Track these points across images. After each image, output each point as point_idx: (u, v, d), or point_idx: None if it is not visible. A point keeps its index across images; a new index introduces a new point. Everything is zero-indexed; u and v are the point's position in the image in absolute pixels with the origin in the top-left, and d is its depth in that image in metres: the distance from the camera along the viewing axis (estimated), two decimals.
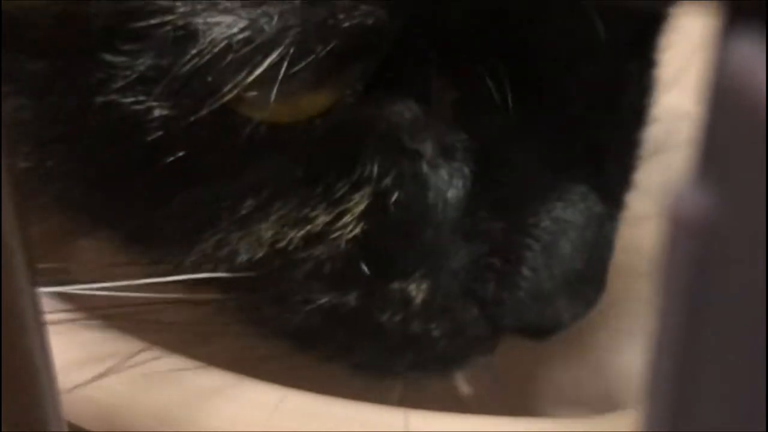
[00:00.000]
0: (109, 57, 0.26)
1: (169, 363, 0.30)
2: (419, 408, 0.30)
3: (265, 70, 0.25)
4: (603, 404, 0.36)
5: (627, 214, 0.32)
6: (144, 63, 0.26)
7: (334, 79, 0.27)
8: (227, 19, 0.25)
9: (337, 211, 0.29)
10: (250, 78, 0.25)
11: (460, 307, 0.31)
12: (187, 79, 0.26)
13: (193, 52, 0.25)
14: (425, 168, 0.29)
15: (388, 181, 0.29)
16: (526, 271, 0.30)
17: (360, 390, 0.31)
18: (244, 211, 0.29)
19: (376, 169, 0.29)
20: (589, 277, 0.31)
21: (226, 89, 0.26)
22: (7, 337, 0.19)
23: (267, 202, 0.29)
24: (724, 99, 0.12)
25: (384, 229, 0.30)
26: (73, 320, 0.31)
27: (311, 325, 0.31)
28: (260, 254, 0.29)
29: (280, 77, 0.25)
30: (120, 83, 0.26)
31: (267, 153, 0.28)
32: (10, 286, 0.19)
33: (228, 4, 0.25)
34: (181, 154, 0.27)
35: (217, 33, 0.25)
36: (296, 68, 0.25)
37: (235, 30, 0.25)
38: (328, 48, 0.25)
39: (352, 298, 0.30)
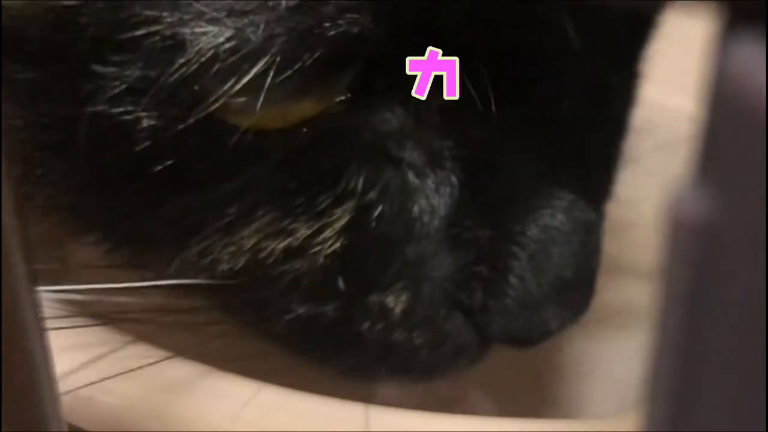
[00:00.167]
0: (99, 68, 0.26)
1: (166, 365, 0.30)
2: (405, 408, 0.30)
3: (251, 79, 0.25)
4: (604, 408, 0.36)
5: (627, 215, 0.32)
6: (133, 74, 0.26)
7: (320, 88, 0.27)
8: (214, 28, 0.25)
9: (318, 225, 0.29)
10: (237, 87, 0.25)
11: (444, 316, 0.31)
12: (175, 88, 0.26)
13: (181, 61, 0.25)
14: (412, 177, 0.29)
15: (372, 194, 0.29)
16: (513, 279, 0.30)
17: (347, 390, 0.31)
18: (228, 219, 0.29)
19: (361, 181, 0.29)
20: (577, 285, 0.31)
21: (212, 98, 0.26)
22: (7, 337, 0.19)
23: (250, 209, 0.29)
24: (725, 101, 0.12)
25: (364, 245, 0.29)
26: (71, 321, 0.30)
27: (292, 333, 0.31)
28: (241, 263, 0.29)
29: (266, 86, 0.25)
30: (109, 93, 0.26)
31: (253, 160, 0.28)
32: (10, 286, 0.19)
33: (214, 14, 0.25)
34: (168, 162, 0.27)
35: (204, 43, 0.25)
36: (282, 77, 0.25)
37: (221, 39, 0.25)
38: (314, 56, 0.25)
39: (329, 309, 0.30)
